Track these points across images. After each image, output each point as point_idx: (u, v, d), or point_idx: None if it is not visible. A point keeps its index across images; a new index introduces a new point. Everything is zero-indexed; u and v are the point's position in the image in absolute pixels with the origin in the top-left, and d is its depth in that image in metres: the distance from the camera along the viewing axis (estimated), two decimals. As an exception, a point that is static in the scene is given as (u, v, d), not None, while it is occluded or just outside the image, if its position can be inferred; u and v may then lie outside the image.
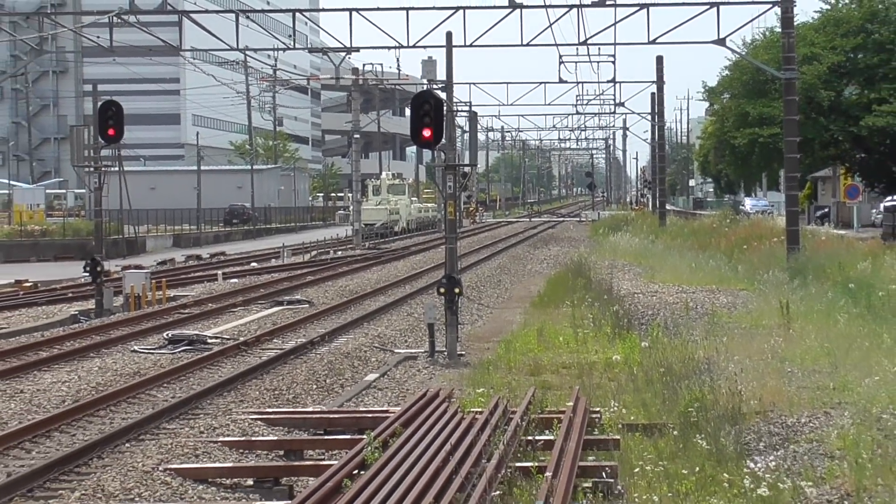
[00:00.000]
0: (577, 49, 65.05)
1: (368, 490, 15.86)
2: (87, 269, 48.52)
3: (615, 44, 74.25)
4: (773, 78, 63.33)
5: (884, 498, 15.37)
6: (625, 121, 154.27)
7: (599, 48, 67.98)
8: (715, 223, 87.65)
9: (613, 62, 77.68)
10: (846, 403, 21.72)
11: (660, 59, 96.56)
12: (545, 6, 48.48)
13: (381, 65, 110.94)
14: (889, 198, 79.03)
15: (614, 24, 52.77)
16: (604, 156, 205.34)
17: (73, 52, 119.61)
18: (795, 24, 54.03)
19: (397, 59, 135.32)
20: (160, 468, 19.46)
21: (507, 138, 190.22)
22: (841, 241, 62.34)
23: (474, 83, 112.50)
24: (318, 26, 74.20)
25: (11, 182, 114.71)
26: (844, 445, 18.38)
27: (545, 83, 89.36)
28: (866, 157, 79.51)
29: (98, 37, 61.16)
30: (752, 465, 17.80)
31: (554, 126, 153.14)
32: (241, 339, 36.90)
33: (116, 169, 53.11)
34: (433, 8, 47.75)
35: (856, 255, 50.33)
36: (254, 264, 75.49)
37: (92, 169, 52.14)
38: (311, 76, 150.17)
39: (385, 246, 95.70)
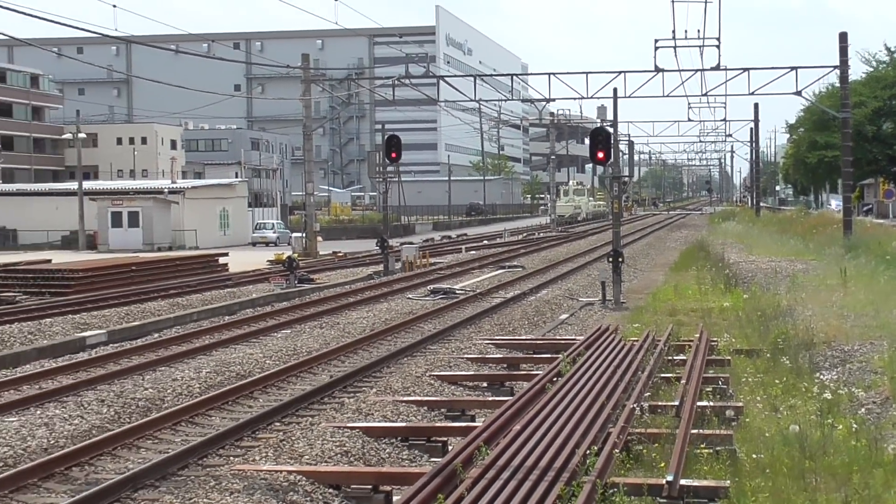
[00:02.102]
0: (700, 99, 67.30)
1: (563, 391, 16.79)
2: (378, 244, 50.78)
3: (725, 95, 79.67)
4: (833, 117, 65.58)
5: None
6: (732, 146, 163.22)
7: (715, 98, 71.32)
8: (793, 215, 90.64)
9: (724, 107, 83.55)
10: (884, 336, 21.58)
11: (756, 105, 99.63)
12: (679, 70, 51.50)
13: (569, 110, 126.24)
14: None
15: (725, 81, 55.55)
16: (717, 169, 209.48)
17: (368, 103, 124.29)
18: (849, 80, 55.71)
19: (580, 106, 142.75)
20: (426, 375, 20.94)
21: (652, 158, 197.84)
22: (880, 227, 61.22)
23: (631, 121, 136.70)
24: (527, 84, 76.25)
25: (330, 188, 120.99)
26: (883, 365, 18.66)
27: (678, 121, 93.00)
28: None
29: (384, 94, 66.51)
30: (820, 377, 18.68)
31: (684, 150, 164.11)
32: (478, 290, 38.37)
33: (396, 179, 56.39)
34: (604, 72, 51.07)
35: (891, 236, 49.99)
36: (485, 241, 77.14)
37: (381, 179, 55.53)
38: (523, 118, 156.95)
39: (571, 230, 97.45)
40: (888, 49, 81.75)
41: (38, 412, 17.51)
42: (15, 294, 36.39)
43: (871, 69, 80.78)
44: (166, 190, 78.45)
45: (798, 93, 55.71)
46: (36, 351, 24.29)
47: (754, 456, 13.59)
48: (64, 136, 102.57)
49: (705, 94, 65.73)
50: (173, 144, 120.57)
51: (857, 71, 72.94)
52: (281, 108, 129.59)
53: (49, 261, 46.52)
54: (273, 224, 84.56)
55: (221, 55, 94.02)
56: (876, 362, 19.40)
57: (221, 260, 50.66)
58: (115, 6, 54.70)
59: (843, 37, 53.18)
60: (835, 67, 53.68)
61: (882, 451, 13.42)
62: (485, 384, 20.58)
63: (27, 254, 59.04)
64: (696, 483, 11.92)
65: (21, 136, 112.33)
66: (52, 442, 15.58)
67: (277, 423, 16.68)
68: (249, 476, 13.17)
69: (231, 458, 14.55)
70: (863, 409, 16.20)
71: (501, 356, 23.25)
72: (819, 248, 48.12)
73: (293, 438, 15.41)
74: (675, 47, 47.21)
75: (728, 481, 12.21)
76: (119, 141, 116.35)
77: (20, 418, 17.09)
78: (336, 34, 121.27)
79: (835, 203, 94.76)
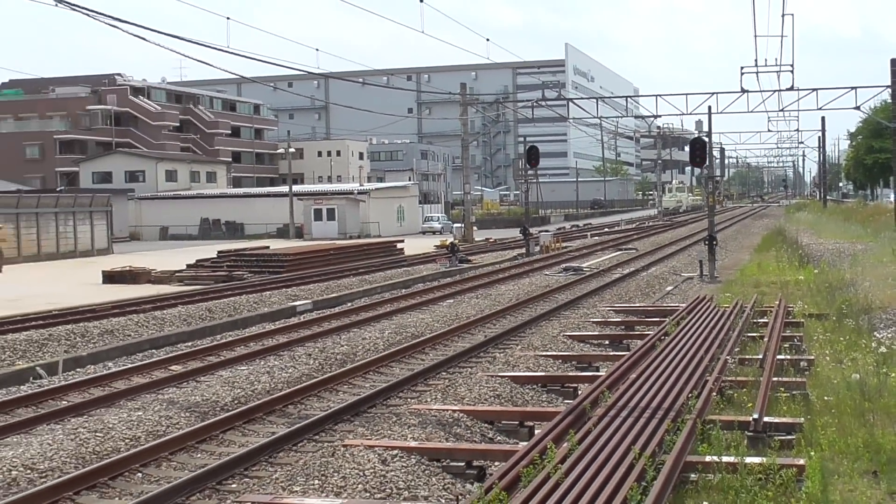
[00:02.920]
0: (777, 114, 65.97)
1: (669, 347, 16.81)
2: (521, 232, 50.21)
3: (798, 110, 77.92)
4: (886, 127, 63.51)
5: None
6: (803, 151, 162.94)
7: (790, 113, 69.92)
8: (853, 207, 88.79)
9: (797, 119, 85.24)
10: None
11: (823, 118, 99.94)
12: (760, 91, 50.45)
13: (672, 124, 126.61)
14: None
15: (798, 99, 54.89)
16: (791, 169, 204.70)
17: (512, 121, 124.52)
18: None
19: (681, 121, 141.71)
20: (560, 335, 20.83)
21: (739, 161, 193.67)
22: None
23: (722, 132, 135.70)
24: (638, 103, 75.67)
25: (482, 188, 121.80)
26: None
27: (760, 132, 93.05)
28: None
29: (525, 114, 66.75)
30: (876, 336, 18.26)
31: (764, 155, 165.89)
32: (600, 268, 38.08)
33: (534, 181, 56.34)
34: (700, 93, 50.41)
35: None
36: (605, 229, 75.37)
37: (523, 181, 55.37)
38: (635, 131, 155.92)
39: (674, 220, 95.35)
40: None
41: (262, 363, 18.06)
42: (243, 273, 37.29)
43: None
44: (356, 191, 79.69)
45: (857, 108, 54.84)
46: (259, 316, 24.93)
47: (824, 398, 13.40)
48: (278, 151, 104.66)
49: (782, 110, 64.85)
50: (360, 156, 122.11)
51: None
52: (444, 126, 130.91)
53: (267, 247, 47.59)
54: (438, 217, 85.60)
55: (398, 86, 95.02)
56: (924, 325, 18.91)
57: (398, 245, 51.16)
58: (317, 49, 55.66)
59: (894, 62, 52.13)
60: (887, 87, 52.68)
61: (931, 394, 13.15)
62: (607, 342, 20.48)
63: (251, 242, 60.38)
64: (776, 420, 11.81)
65: (247, 151, 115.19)
66: (272, 385, 16.06)
67: (444, 373, 16.85)
68: (422, 413, 13.32)
69: (408, 399, 14.76)
70: (915, 361, 15.85)
71: (620, 320, 23.08)
72: (875, 232, 47.17)
73: (456, 384, 15.57)
74: (757, 72, 46.37)
75: (802, 418, 12.10)
76: (319, 154, 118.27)
77: (249, 367, 17.69)
78: (487, 67, 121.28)
79: (893, 195, 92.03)
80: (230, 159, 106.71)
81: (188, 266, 39.19)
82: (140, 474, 11.16)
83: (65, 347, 19.77)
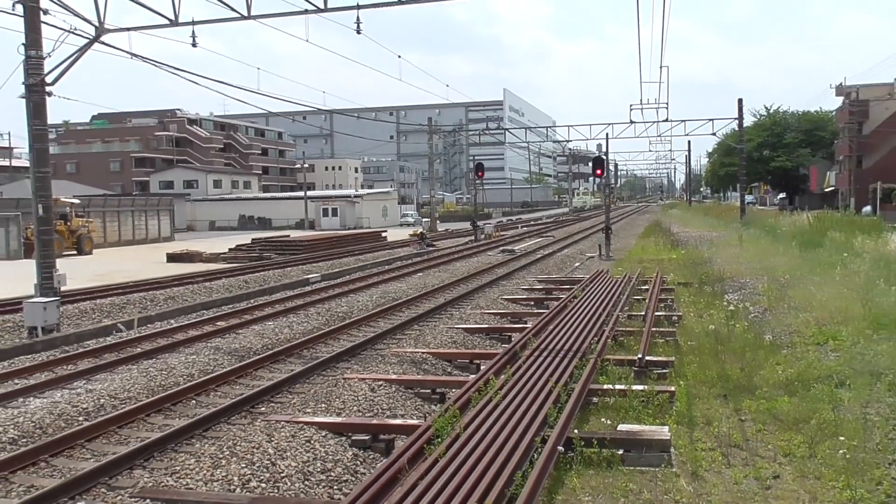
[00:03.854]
0: (656, 138, 66.66)
1: (578, 306, 17.08)
2: (471, 224, 50.54)
3: (671, 136, 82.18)
4: (734, 148, 64.38)
5: (779, 311, 15.95)
6: (675, 165, 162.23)
7: (665, 137, 70.89)
8: (710, 206, 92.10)
9: (671, 142, 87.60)
10: (764, 273, 21.74)
11: (689, 142, 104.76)
12: (644, 122, 50.94)
13: (579, 146, 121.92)
14: (781, 195, 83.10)
15: (671, 128, 56.71)
16: (666, 178, 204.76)
17: (465, 144, 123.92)
18: (744, 126, 54.82)
19: (586, 144, 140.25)
20: (499, 298, 20.94)
21: (628, 173, 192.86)
22: (761, 211, 60.23)
23: (616, 151, 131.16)
24: (556, 131, 76.93)
25: (444, 193, 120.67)
26: (763, 290, 18.85)
27: (643, 151, 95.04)
28: (772, 179, 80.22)
29: (475, 139, 65.87)
30: (727, 298, 18.36)
31: (647, 168, 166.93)
32: (528, 250, 37.50)
33: (481, 187, 56.36)
34: (600, 123, 51.17)
35: (768, 215, 48.90)
36: (531, 223, 75.20)
37: (472, 187, 55.58)
38: (553, 151, 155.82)
39: (581, 215, 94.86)
40: (766, 108, 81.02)
41: (284, 319, 17.92)
42: (270, 254, 37.09)
43: (756, 119, 79.53)
44: (352, 196, 79.52)
45: (713, 134, 57.14)
46: (282, 286, 24.70)
47: (689, 343, 13.46)
48: (296, 167, 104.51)
49: (659, 136, 66.26)
50: (356, 170, 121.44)
51: (748, 120, 71.44)
52: (416, 148, 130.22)
53: (288, 235, 47.43)
54: (412, 214, 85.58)
55: (383, 119, 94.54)
56: (759, 289, 19.31)
57: (383, 234, 51.03)
58: (324, 92, 55.67)
59: (741, 101, 53.11)
60: (734, 119, 53.24)
61: (762, 339, 13.31)
62: (532, 303, 20.42)
63: (276, 232, 60.00)
64: (655, 358, 11.86)
65: (273, 166, 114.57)
66: (292, 335, 15.90)
67: (416, 325, 16.77)
68: (400, 355, 13.38)
69: (390, 345, 14.66)
70: (752, 315, 16.00)
71: (542, 287, 23.05)
72: (726, 224, 48.11)
73: (424, 334, 15.58)
74: (641, 108, 46.59)
75: (673, 357, 12.18)
76: (326, 168, 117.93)
77: (274, 323, 17.53)
78: (447, 106, 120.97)
79: (749, 198, 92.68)
80: (261, 172, 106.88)
81: (230, 249, 38.86)
82: (194, 401, 11.07)
83: (138, 309, 19.53)
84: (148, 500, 6.89)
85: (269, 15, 16.73)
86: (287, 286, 24.78)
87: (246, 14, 16.29)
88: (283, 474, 7.59)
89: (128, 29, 17.44)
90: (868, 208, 56.77)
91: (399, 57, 39.67)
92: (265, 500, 6.84)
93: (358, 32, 16.69)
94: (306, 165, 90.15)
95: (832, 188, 75.62)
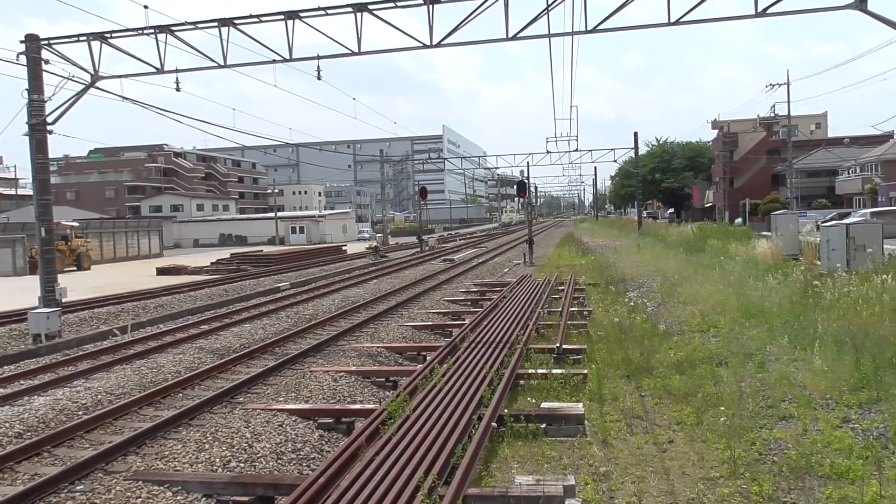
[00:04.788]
0: (569, 164, 67.87)
1: (508, 304, 17.21)
2: (417, 238, 50.26)
3: (581, 162, 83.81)
4: (632, 172, 65.51)
5: (670, 305, 16.18)
6: (584, 188, 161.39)
7: (576, 164, 72.09)
8: (614, 220, 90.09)
9: (580, 167, 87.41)
10: (658, 274, 21.85)
11: (595, 168, 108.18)
12: (558, 151, 51.52)
13: (506, 172, 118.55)
14: (670, 210, 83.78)
15: (581, 156, 56.95)
16: (577, 198, 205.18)
17: (412, 171, 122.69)
18: (639, 154, 55.64)
19: (511, 170, 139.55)
20: (442, 299, 20.71)
21: (546, 193, 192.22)
22: (655, 224, 61.18)
23: (536, 176, 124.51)
24: (486, 159, 77.70)
25: (394, 213, 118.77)
26: (658, 288, 19.08)
27: (558, 175, 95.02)
28: (663, 197, 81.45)
29: (420, 167, 65.39)
30: (629, 295, 18.82)
31: (561, 189, 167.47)
32: (465, 259, 37.34)
33: (425, 207, 55.94)
34: (523, 153, 51.66)
35: (660, 227, 48.90)
36: (468, 236, 74.69)
37: (418, 207, 55.21)
38: (485, 176, 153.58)
39: (509, 229, 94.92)
40: (657, 139, 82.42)
41: (259, 322, 17.53)
42: (246, 267, 36.34)
43: (649, 148, 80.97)
44: (317, 216, 78.58)
45: (615, 161, 57.12)
46: (257, 293, 24.20)
47: (598, 333, 13.55)
48: (267, 192, 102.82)
49: (571, 163, 67.63)
50: (319, 194, 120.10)
51: (643, 149, 72.54)
52: (371, 175, 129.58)
53: (261, 250, 46.46)
54: (367, 230, 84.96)
55: (341, 151, 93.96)
56: (654, 287, 19.54)
57: (343, 248, 50.42)
58: (290, 128, 54.53)
59: (636, 134, 54.02)
60: (631, 148, 54.21)
61: (657, 328, 13.56)
62: (469, 303, 20.29)
63: (251, 247, 58.80)
64: (570, 347, 11.93)
65: (248, 192, 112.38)
66: (265, 335, 15.52)
67: (371, 324, 16.55)
68: (359, 349, 13.20)
69: (350, 341, 14.43)
70: (649, 309, 16.27)
71: (477, 289, 22.94)
72: (626, 234, 48.46)
73: (379, 331, 15.42)
74: (556, 140, 47.56)
75: (586, 345, 12.27)
76: (294, 193, 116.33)
77: (250, 325, 17.11)
78: (395, 139, 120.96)
79: (646, 213, 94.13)
80: (238, 196, 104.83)
81: (211, 263, 37.94)
82: (181, 394, 10.72)
83: (132, 316, 18.89)
84: (140, 482, 6.64)
85: (242, 64, 16.45)
86: (261, 293, 24.30)
87: (222, 63, 15.99)
88: (259, 455, 7.41)
89: (119, 76, 16.98)
90: (739, 220, 58.43)
91: (354, 99, 39.50)
92: (243, 477, 6.66)
93: (318, 79, 16.51)
94: (276, 191, 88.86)
95: (710, 204, 77.75)
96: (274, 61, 16.06)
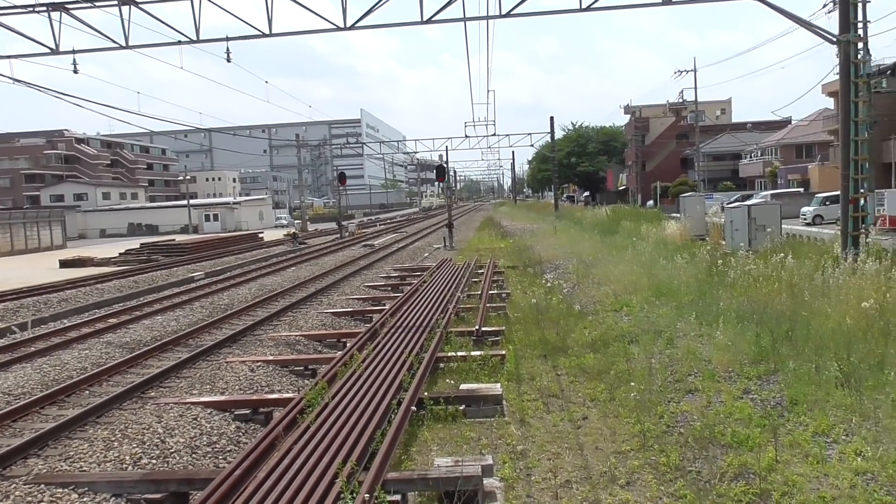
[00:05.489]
0: (488, 149, 68.76)
1: (429, 288, 17.12)
2: (337, 224, 49.60)
3: (499, 147, 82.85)
4: (548, 156, 66.81)
5: (585, 285, 16.55)
6: (503, 172, 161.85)
7: (494, 148, 72.92)
8: (532, 203, 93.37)
9: (499, 151, 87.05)
10: (574, 256, 22.24)
11: (513, 152, 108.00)
12: (476, 136, 51.81)
13: (426, 157, 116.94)
14: (585, 193, 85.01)
15: (498, 140, 57.15)
16: (496, 181, 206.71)
17: (330, 156, 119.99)
18: (555, 138, 56.73)
19: (431, 154, 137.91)
20: (362, 285, 20.65)
21: (466, 177, 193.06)
22: (572, 207, 62.85)
23: (456, 160, 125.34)
24: (405, 144, 76.54)
25: (313, 198, 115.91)
26: (574, 269, 19.31)
27: (477, 160, 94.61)
28: (579, 180, 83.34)
29: (338, 152, 64.37)
30: (545, 277, 18.88)
31: (481, 173, 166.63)
32: (385, 244, 37.01)
33: (344, 192, 55.15)
34: (442, 138, 51.98)
35: (576, 210, 50.92)
36: (388, 221, 74.48)
37: (337, 193, 54.50)
38: (404, 161, 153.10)
39: (429, 213, 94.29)
40: (572, 124, 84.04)
41: (171, 314, 16.99)
42: (158, 257, 35.05)
43: (565, 133, 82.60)
44: (231, 202, 76.48)
45: (532, 145, 59.42)
46: (169, 284, 23.40)
47: (516, 315, 13.77)
48: (179, 179, 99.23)
49: (489, 147, 68.38)
50: (234, 180, 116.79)
51: (558, 134, 73.69)
52: (287, 160, 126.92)
53: (174, 239, 44.90)
54: (285, 216, 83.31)
55: (256, 136, 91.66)
56: (570, 269, 19.86)
57: (260, 235, 49.33)
58: (200, 113, 52.65)
59: (552, 119, 54.94)
60: (547, 133, 55.21)
61: (573, 309, 13.82)
62: (390, 288, 20.26)
63: (163, 237, 56.71)
64: (489, 329, 12.10)
65: (158, 179, 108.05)
66: (179, 327, 15.06)
67: (289, 312, 16.33)
68: (276, 339, 13.00)
69: (267, 330, 14.20)
70: (564, 290, 16.56)
71: (397, 274, 22.93)
72: (544, 217, 49.45)
73: (297, 319, 15.23)
74: (474, 125, 48.27)
75: (504, 327, 12.47)
76: (207, 179, 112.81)
77: (162, 317, 16.56)
78: (312, 123, 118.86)
79: (565, 195, 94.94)
80: (147, 184, 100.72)
81: (120, 254, 36.38)
82: (88, 392, 10.26)
83: (32, 311, 17.91)
84: (42, 485, 6.32)
85: (145, 45, 15.76)
86: (174, 284, 23.50)
87: (124, 44, 15.26)
88: (172, 450, 7.19)
89: (9, 57, 15.92)
90: (651, 202, 60.59)
91: (267, 82, 38.57)
92: (155, 474, 6.45)
93: (228, 61, 16.00)
94: (188, 177, 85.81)
95: (624, 187, 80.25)
96: (180, 42, 15.46)
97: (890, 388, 6.70)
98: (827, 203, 33.30)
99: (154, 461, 6.92)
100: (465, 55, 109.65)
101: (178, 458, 7.06)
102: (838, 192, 14.52)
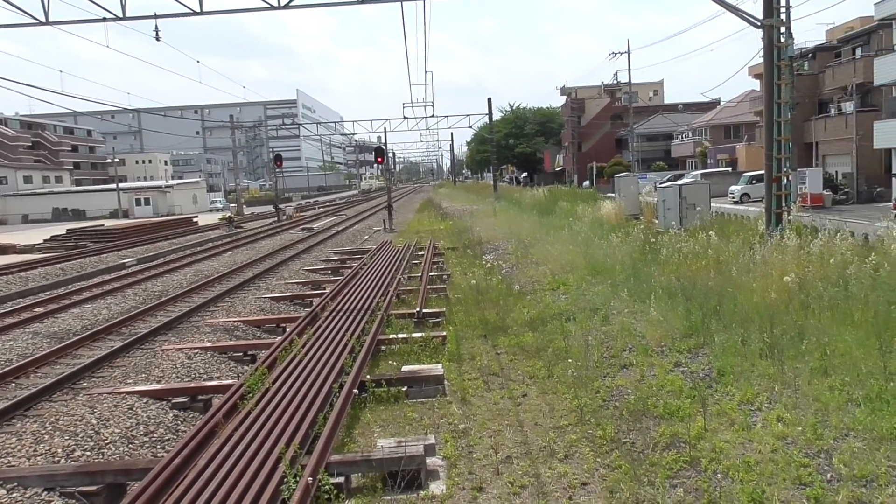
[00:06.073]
0: (426, 130, 68.54)
1: (369, 272, 17.15)
2: (274, 207, 48.66)
3: (438, 128, 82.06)
4: (487, 138, 66.95)
5: (524, 265, 16.76)
6: (442, 153, 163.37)
7: (433, 129, 72.61)
8: (471, 184, 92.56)
9: (437, 133, 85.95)
10: (513, 237, 22.54)
11: (452, 133, 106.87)
12: (415, 117, 51.71)
13: (364, 138, 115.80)
14: (524, 174, 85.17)
15: (437, 121, 57.00)
16: (436, 163, 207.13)
17: (266, 137, 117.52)
18: (493, 120, 56.86)
19: (369, 136, 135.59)
20: (301, 269, 20.58)
21: (405, 159, 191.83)
22: (511, 188, 63.22)
23: (394, 142, 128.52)
24: (343, 126, 76.11)
25: (248, 181, 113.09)
26: (513, 250, 19.68)
27: (416, 141, 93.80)
28: (517, 161, 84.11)
29: (274, 133, 62.86)
30: (485, 258, 19.29)
31: (420, 155, 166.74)
32: (324, 227, 36.45)
33: (281, 175, 54.00)
34: (381, 119, 51.54)
35: (515, 191, 51.19)
36: (327, 204, 72.75)
37: (273, 175, 53.38)
38: (342, 143, 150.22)
39: (368, 196, 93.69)
40: (510, 105, 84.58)
41: (102, 301, 16.43)
42: (86, 243, 33.75)
43: (503, 114, 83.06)
44: (163, 186, 74.17)
45: (470, 127, 58.80)
46: (99, 271, 22.58)
47: (456, 296, 13.91)
48: (107, 162, 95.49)
49: (428, 128, 67.56)
50: (166, 163, 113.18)
51: (497, 115, 74.14)
52: (221, 142, 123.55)
53: (102, 225, 43.34)
54: (220, 200, 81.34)
55: (188, 117, 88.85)
56: (509, 249, 20.11)
57: (194, 220, 47.98)
58: (128, 93, 50.65)
59: (490, 100, 55.79)
60: (486, 114, 55.33)
61: (512, 289, 14.03)
62: (330, 271, 20.10)
63: (91, 222, 54.59)
64: (430, 310, 12.20)
65: (84, 161, 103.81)
66: (110, 315, 14.57)
67: (227, 298, 16.06)
68: (214, 325, 12.78)
69: (204, 316, 13.92)
70: (504, 271, 16.76)
71: (337, 257, 22.75)
72: (483, 198, 49.54)
73: (235, 305, 14.99)
74: (412, 106, 47.96)
75: (445, 308, 12.58)
76: (137, 162, 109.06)
77: (93, 305, 16.01)
78: (247, 104, 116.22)
79: (507, 176, 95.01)
80: (72, 167, 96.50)
81: (45, 240, 34.76)
82: (14, 384, 9.87)
83: (-49, 302, 17.10)
84: (-32, 482, 6.08)
85: (67, 21, 15.06)
86: (104, 271, 22.70)
87: (44, 20, 14.55)
88: (107, 441, 7.01)
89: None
90: (587, 183, 61.70)
91: (199, 62, 37.41)
92: (89, 465, 6.29)
93: (157, 39, 15.48)
94: (117, 160, 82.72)
95: (561, 168, 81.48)
96: (105, 19, 14.85)
97: (808, 357, 7.05)
98: (753, 182, 34.67)
99: (88, 453, 6.75)
100: (402, 35, 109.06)
101: (113, 448, 6.90)
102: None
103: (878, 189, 32.71)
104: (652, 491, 5.19)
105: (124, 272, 22.29)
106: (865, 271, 9.17)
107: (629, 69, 51.24)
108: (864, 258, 9.70)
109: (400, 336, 10.23)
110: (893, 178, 31.33)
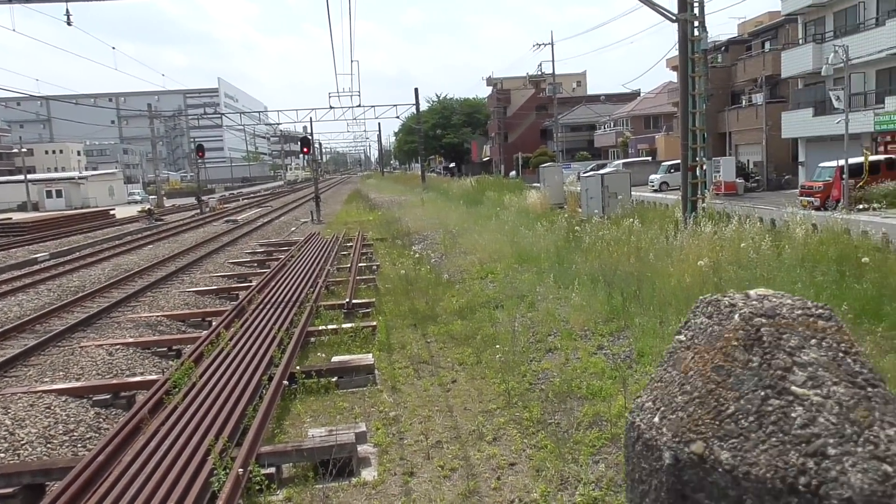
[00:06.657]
0: (354, 120, 68.46)
1: (297, 258, 17.19)
2: (196, 199, 47.34)
3: (365, 119, 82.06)
4: (414, 128, 66.98)
5: (453, 255, 16.84)
6: (369, 144, 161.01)
7: (360, 120, 71.82)
8: (399, 175, 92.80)
9: (365, 123, 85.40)
10: (441, 227, 22.48)
11: (379, 123, 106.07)
12: (342, 107, 51.21)
13: (289, 128, 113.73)
14: (452, 164, 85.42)
15: (364, 112, 56.54)
16: (363, 154, 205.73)
17: (186, 127, 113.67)
18: (420, 110, 57.02)
19: (295, 126, 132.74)
20: (226, 262, 19.98)
21: (332, 150, 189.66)
22: (439, 178, 63.74)
23: (321, 132, 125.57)
24: (267, 115, 74.57)
25: (168, 172, 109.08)
26: (441, 240, 19.48)
27: (343, 132, 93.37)
28: (445, 152, 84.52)
29: (195, 123, 60.92)
30: (414, 249, 19.33)
31: (347, 145, 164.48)
32: (249, 219, 35.52)
33: (203, 166, 52.40)
34: (306, 109, 50.47)
35: (443, 181, 51.63)
36: (252, 195, 71.30)
37: (195, 166, 51.89)
38: (266, 132, 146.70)
39: (295, 187, 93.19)
40: (437, 95, 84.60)
41: (13, 298, 15.63)
42: (-7, 237, 32.03)
43: (430, 105, 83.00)
44: (77, 177, 70.83)
45: (398, 117, 58.32)
46: (7, 266, 21.44)
47: (386, 286, 13.95)
48: (13, 152, 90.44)
49: (354, 119, 67.22)
50: (79, 153, 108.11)
51: (424, 105, 73.83)
52: (139, 132, 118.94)
53: (10, 218, 41.13)
54: (138, 192, 78.32)
55: (102, 105, 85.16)
56: (438, 239, 20.11)
57: (111, 212, 46.19)
58: (37, 79, 48.30)
59: (416, 91, 55.01)
60: (413, 105, 55.33)
61: (441, 278, 14.18)
62: (256, 264, 19.67)
63: (-2, 216, 51.78)
64: (360, 301, 12.21)
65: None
66: (22, 313, 13.89)
67: (149, 292, 15.57)
68: (136, 320, 12.40)
69: (125, 312, 13.45)
70: (433, 260, 16.91)
71: (263, 250, 22.37)
72: (411, 189, 49.55)
73: (158, 299, 14.56)
74: (339, 95, 47.28)
75: (374, 299, 12.61)
76: (46, 152, 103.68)
77: (2, 302, 15.16)
78: (165, 92, 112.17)
79: (437, 167, 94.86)
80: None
81: (-54, 235, 32.91)
82: (-82, 386, 9.37)
83: None
84: None
85: (-32, 2, 14.21)
86: (13, 267, 21.58)
87: (-58, 0, 13.71)
88: (23, 442, 6.76)
89: None
90: (514, 173, 62.55)
91: (114, 48, 35.94)
92: (5, 467, 6.06)
93: (69, 24, 14.82)
94: (24, 150, 78.47)
95: (488, 158, 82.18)
96: (11, 1, 14.11)
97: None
98: (671, 171, 35.97)
99: (2, 454, 6.51)
100: (327, 24, 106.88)
101: (30, 449, 6.67)
102: (680, 162, 15.69)
103: (787, 177, 34.49)
104: (576, 468, 5.41)
105: (36, 267, 21.27)
106: (772, 254, 9.72)
107: (553, 60, 52.20)
108: (773, 242, 10.26)
109: (330, 327, 10.21)
110: (800, 167, 33.13)
